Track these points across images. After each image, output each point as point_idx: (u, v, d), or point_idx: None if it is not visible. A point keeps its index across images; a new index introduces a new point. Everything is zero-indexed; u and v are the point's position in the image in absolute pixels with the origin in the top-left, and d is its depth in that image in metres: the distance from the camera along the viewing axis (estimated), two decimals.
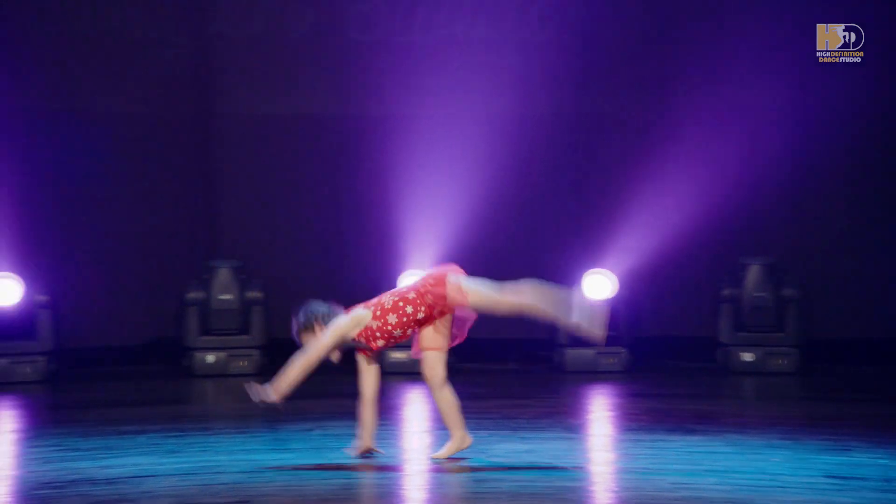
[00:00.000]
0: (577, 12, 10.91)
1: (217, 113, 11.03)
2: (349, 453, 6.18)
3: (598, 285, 10.24)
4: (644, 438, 6.85)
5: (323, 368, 6.17)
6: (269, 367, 10.30)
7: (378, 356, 6.18)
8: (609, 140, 11.10)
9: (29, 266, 10.01)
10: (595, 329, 6.08)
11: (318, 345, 6.09)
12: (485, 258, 10.95)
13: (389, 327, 6.04)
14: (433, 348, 6.07)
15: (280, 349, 10.67)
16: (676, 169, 10.83)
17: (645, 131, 11.02)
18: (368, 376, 6.13)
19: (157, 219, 10.92)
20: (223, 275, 10.33)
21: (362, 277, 10.76)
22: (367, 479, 5.83)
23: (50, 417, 8.35)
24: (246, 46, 10.98)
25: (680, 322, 11.05)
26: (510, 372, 10.45)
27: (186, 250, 10.95)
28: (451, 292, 5.98)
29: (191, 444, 6.71)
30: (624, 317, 10.25)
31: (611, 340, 10.11)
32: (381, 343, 6.07)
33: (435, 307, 6.02)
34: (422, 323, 6.06)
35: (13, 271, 9.81)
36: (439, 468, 6.02)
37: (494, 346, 10.80)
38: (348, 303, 6.29)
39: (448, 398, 6.09)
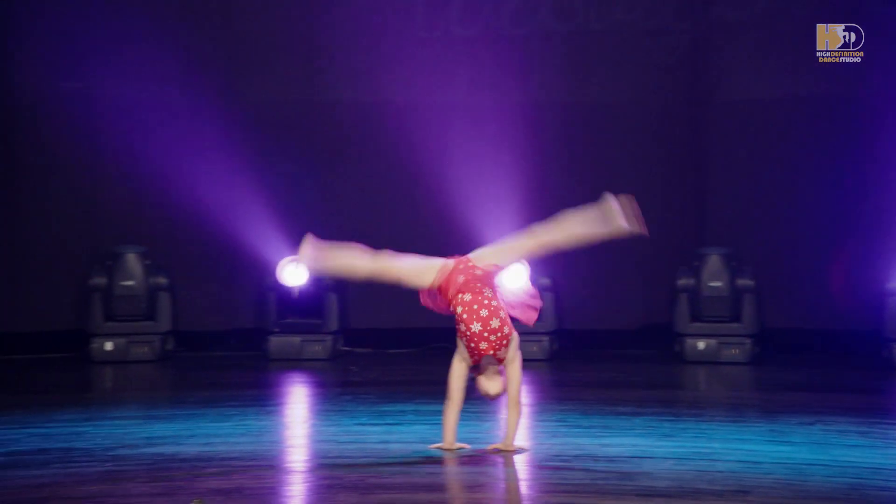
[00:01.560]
0: None
1: (712, 98, 11.08)
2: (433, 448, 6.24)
3: None
4: None
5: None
6: (761, 356, 10.39)
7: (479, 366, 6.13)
8: None
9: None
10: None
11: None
12: None
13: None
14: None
15: (772, 338, 10.74)
16: None
17: None
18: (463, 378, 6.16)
19: (650, 205, 11.12)
20: (713, 262, 10.42)
21: (863, 267, 10.52)
22: (876, 482, 5.61)
23: (554, 394, 8.92)
24: (747, 30, 10.97)
25: None
26: None
27: (677, 237, 11.05)
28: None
29: (685, 429, 6.90)
30: None
31: None
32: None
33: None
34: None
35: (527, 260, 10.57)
36: None
37: None
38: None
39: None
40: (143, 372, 9.85)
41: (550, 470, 5.92)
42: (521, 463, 6.23)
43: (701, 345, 10.34)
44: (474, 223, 10.93)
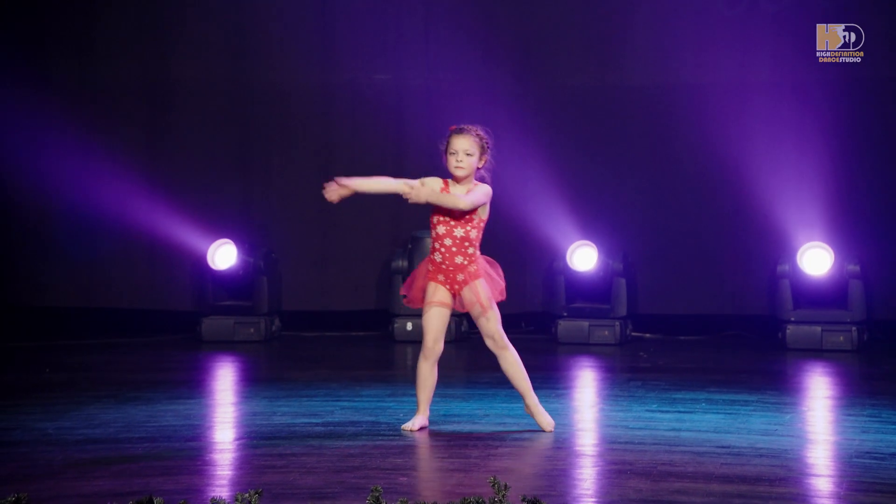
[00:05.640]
0: None
1: None
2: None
3: None
4: None
5: None
6: None
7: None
8: None
9: (840, 235, 10.05)
10: None
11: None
12: None
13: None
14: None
15: None
16: None
17: None
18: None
19: None
20: None
21: None
22: None
23: (864, 387, 8.32)
24: None
25: None
26: None
27: None
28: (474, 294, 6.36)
29: None
30: None
31: None
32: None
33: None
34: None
35: (826, 241, 9.94)
36: None
37: None
38: None
39: (433, 373, 6.34)
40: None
41: (862, 468, 5.48)
42: (826, 458, 5.79)
43: None
44: (776, 209, 10.35)
